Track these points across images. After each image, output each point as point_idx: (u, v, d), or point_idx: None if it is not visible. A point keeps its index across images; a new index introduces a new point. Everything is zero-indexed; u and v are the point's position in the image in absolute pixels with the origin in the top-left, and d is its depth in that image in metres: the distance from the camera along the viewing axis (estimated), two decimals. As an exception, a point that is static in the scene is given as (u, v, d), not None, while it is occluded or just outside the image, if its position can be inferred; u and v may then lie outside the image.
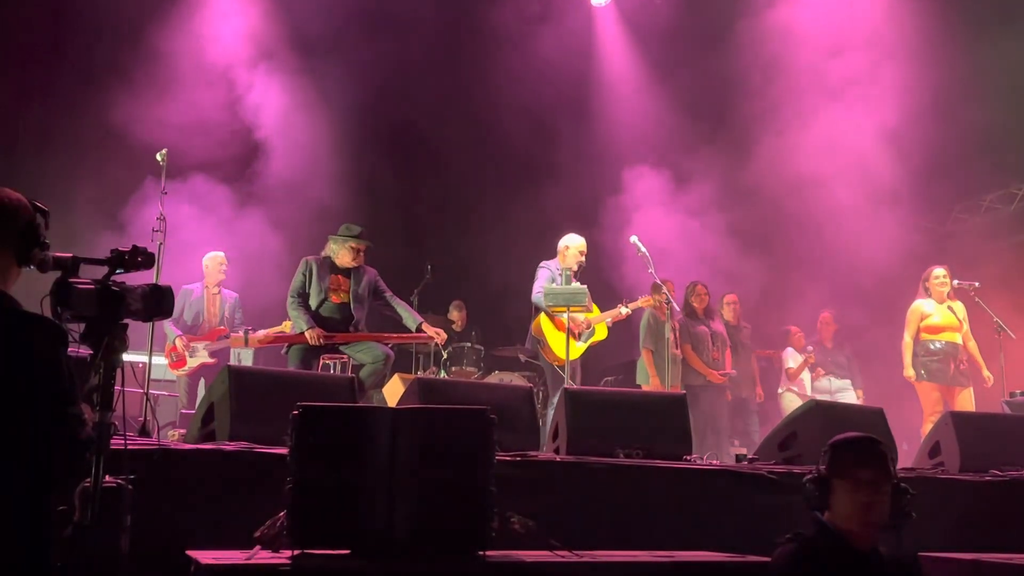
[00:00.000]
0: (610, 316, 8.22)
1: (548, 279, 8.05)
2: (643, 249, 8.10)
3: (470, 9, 11.22)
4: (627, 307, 8.30)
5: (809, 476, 3.21)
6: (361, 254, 7.49)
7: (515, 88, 10.96)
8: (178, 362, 8.37)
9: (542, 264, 8.24)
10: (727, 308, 9.54)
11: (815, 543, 3.12)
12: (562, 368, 7.77)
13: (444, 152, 11.15)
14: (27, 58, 9.69)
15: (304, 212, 9.89)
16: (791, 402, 9.47)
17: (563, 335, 7.84)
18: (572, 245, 8.20)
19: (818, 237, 10.81)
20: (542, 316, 8.11)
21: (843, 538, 3.10)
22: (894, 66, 9.97)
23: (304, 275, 7.42)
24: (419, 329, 7.49)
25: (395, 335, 7.72)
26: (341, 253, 7.43)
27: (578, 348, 8.01)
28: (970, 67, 9.79)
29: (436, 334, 7.48)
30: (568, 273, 7.79)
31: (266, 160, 10.16)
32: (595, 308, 8.11)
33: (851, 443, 3.20)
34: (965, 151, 10.23)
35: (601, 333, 8.23)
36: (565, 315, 7.65)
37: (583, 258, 8.15)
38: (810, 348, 9.71)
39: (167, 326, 8.30)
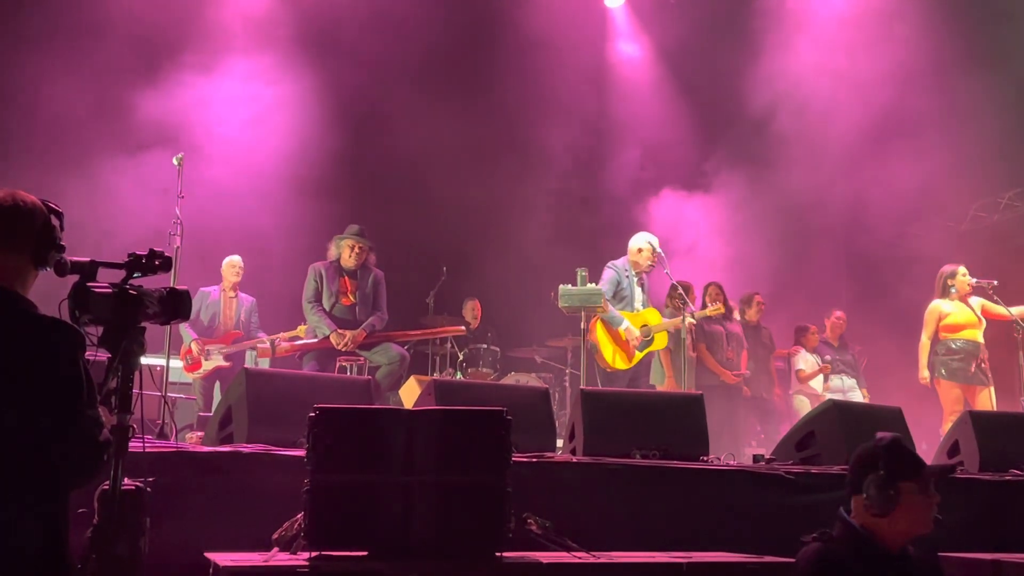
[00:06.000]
0: (672, 325, 7.92)
1: (612, 282, 7.77)
2: (659, 250, 8.01)
3: (485, 14, 11.19)
4: (694, 317, 7.91)
5: (871, 478, 3.03)
6: (358, 251, 7.50)
7: (536, 89, 10.93)
8: (193, 365, 8.40)
9: (609, 264, 7.90)
10: (754, 307, 9.45)
11: (842, 543, 3.06)
12: (612, 373, 7.67)
13: (461, 153, 11.12)
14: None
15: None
16: (803, 403, 9.40)
17: (614, 345, 7.71)
18: (645, 247, 7.86)
19: (836, 236, 10.76)
20: (599, 322, 7.74)
21: (872, 538, 3.03)
22: (912, 66, 9.91)
23: (315, 281, 7.51)
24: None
25: (415, 332, 7.72)
26: (344, 253, 7.51)
27: (637, 356, 7.79)
28: (988, 66, 9.74)
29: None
30: (634, 274, 7.64)
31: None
32: (656, 314, 7.91)
33: (902, 443, 3.10)
34: (984, 149, 10.15)
35: (661, 342, 7.93)
36: (622, 326, 7.55)
37: (655, 260, 7.86)
38: (828, 357, 9.63)
39: (183, 328, 8.34)
